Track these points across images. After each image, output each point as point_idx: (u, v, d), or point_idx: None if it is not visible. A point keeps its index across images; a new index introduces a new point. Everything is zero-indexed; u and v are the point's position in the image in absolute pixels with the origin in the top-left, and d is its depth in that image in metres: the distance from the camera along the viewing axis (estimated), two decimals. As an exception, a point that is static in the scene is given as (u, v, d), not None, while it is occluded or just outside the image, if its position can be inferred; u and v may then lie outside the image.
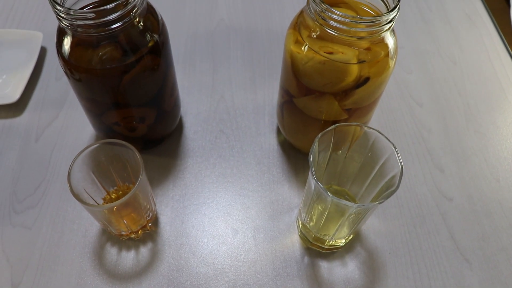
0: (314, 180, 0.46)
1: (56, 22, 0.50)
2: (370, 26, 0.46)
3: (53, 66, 0.79)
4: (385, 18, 0.45)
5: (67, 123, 0.71)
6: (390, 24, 0.47)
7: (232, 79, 0.77)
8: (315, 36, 0.50)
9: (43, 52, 0.81)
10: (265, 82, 0.76)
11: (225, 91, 0.75)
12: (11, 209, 0.62)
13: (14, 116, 0.72)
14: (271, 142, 0.68)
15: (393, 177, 0.48)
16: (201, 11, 0.88)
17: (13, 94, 0.72)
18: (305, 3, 0.51)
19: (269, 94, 0.74)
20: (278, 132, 0.69)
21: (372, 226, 0.60)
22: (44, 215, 0.61)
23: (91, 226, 0.60)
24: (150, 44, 0.52)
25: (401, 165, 0.46)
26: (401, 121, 0.71)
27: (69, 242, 0.59)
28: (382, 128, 0.70)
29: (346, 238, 0.57)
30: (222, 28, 0.85)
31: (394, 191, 0.45)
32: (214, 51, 0.81)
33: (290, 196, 0.63)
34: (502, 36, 0.84)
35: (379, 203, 0.45)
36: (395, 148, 0.47)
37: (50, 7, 0.87)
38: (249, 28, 0.85)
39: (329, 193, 0.44)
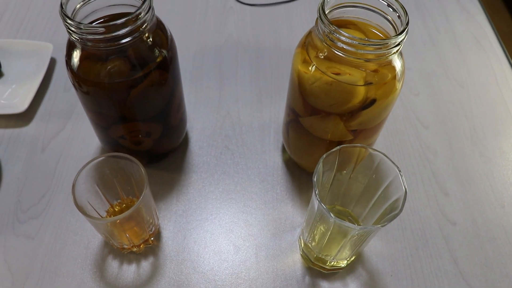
0: (317, 201, 0.46)
1: (67, 34, 0.50)
2: (377, 48, 0.46)
3: (62, 78, 0.79)
4: (393, 41, 0.46)
5: (74, 135, 0.71)
6: (398, 47, 0.47)
7: (239, 96, 0.77)
8: (322, 57, 0.50)
9: (52, 63, 0.82)
10: (272, 99, 0.76)
11: (231, 108, 0.75)
12: (15, 219, 0.62)
13: (21, 126, 0.72)
14: (275, 160, 0.68)
15: (397, 200, 0.47)
16: (209, 26, 0.89)
17: (21, 104, 0.73)
18: (314, 23, 0.51)
19: (275, 112, 0.74)
20: (283, 150, 0.69)
21: (374, 247, 0.60)
22: (47, 225, 0.61)
23: (93, 238, 0.60)
24: (158, 59, 0.52)
25: (405, 189, 0.46)
26: (407, 143, 0.71)
27: (70, 253, 0.59)
28: (387, 149, 0.70)
29: (348, 259, 0.56)
30: (230, 44, 0.85)
31: (398, 214, 0.45)
32: (221, 67, 0.81)
33: (293, 215, 0.63)
34: (510, 60, 0.84)
35: (382, 226, 0.44)
36: (400, 171, 0.47)
37: (60, 18, 0.88)
38: (257, 45, 0.85)
39: (331, 215, 0.44)
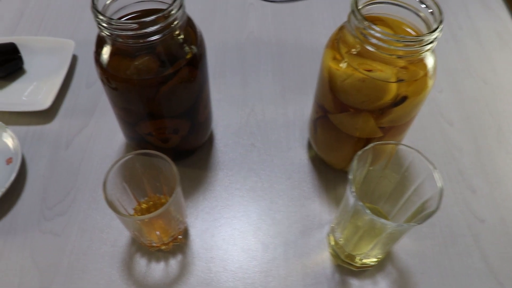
0: (354, 198, 0.45)
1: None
2: (411, 45, 0.46)
3: (84, 74, 0.79)
4: (427, 38, 0.45)
5: (97, 131, 0.71)
6: (431, 44, 0.46)
7: (263, 93, 0.77)
8: (355, 53, 0.49)
9: (74, 60, 0.81)
10: (295, 96, 0.76)
11: (255, 105, 0.75)
12: (41, 216, 0.62)
13: (44, 123, 0.72)
14: (301, 157, 0.68)
15: (431, 197, 0.47)
16: (230, 24, 0.88)
17: (44, 101, 0.73)
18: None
19: (299, 108, 0.74)
20: (309, 147, 0.69)
21: (403, 245, 0.60)
22: (73, 222, 0.61)
23: (120, 236, 0.60)
24: (188, 56, 0.52)
25: (441, 186, 0.46)
26: (432, 140, 0.71)
27: (98, 251, 0.59)
28: (412, 146, 0.69)
29: (379, 257, 0.56)
30: (252, 41, 0.85)
31: (434, 212, 0.44)
32: (244, 64, 0.81)
33: (320, 212, 0.62)
34: (534, 56, 0.83)
35: (419, 224, 0.44)
36: (435, 168, 0.47)
37: (81, 15, 0.88)
38: (279, 42, 0.85)
39: (368, 211, 0.44)
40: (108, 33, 0.48)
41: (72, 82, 0.78)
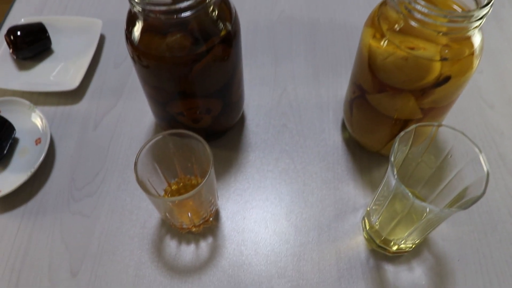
0: (395, 181, 0.43)
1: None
2: (459, 21, 0.43)
3: (112, 54, 0.78)
4: (476, 14, 0.42)
5: (126, 112, 0.70)
6: (480, 21, 0.44)
7: (295, 73, 0.74)
8: (397, 29, 0.47)
9: (101, 39, 0.80)
10: (329, 76, 0.74)
11: (287, 85, 0.73)
12: (69, 197, 0.61)
13: (73, 103, 0.72)
14: (335, 139, 0.66)
15: (475, 182, 0.45)
16: (261, 2, 0.86)
17: (72, 81, 0.72)
18: None
19: (333, 89, 0.72)
20: (343, 128, 0.67)
21: (440, 231, 0.58)
22: (103, 204, 0.61)
23: (150, 218, 0.59)
24: (222, 34, 0.50)
25: (488, 170, 0.43)
26: (471, 123, 0.68)
27: (127, 232, 0.58)
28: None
29: (416, 242, 0.54)
30: (283, 20, 0.83)
31: (480, 196, 0.42)
32: (275, 44, 0.79)
33: (355, 196, 0.60)
34: None
35: (464, 209, 0.42)
36: (481, 151, 0.45)
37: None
38: (311, 20, 0.82)
39: (411, 196, 0.42)
40: (140, 9, 0.46)
41: (100, 62, 0.77)
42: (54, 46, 0.79)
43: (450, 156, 0.49)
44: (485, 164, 0.44)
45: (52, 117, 0.70)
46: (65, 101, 0.72)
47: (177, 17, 0.46)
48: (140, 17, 0.48)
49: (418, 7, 0.43)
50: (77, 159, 0.65)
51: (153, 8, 0.45)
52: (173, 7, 0.45)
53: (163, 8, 0.45)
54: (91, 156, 0.65)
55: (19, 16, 0.83)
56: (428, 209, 0.43)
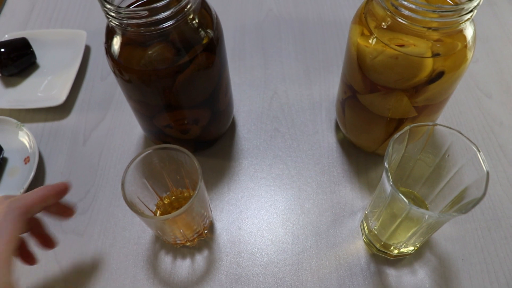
0: (391, 187, 0.41)
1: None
2: (449, 16, 0.41)
3: (98, 66, 0.77)
4: (467, 6, 0.41)
5: (115, 125, 0.68)
6: (471, 14, 0.42)
7: (285, 74, 0.73)
8: (385, 27, 0.45)
9: (87, 51, 0.79)
10: (321, 75, 0.72)
11: (278, 87, 0.71)
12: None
13: (60, 118, 0.70)
14: (329, 140, 0.64)
15: (475, 182, 0.43)
16: (248, 1, 0.84)
17: (59, 96, 0.71)
18: None
19: (325, 88, 0.70)
20: (337, 129, 0.65)
21: (442, 230, 0.56)
22: (95, 221, 0.59)
23: (143, 233, 0.58)
24: (204, 41, 0.49)
25: (487, 170, 0.42)
26: (468, 114, 0.66)
27: (121, 250, 0.57)
28: (447, 123, 0.65)
29: (417, 245, 0.52)
30: (271, 19, 0.81)
31: (481, 198, 0.40)
32: (264, 44, 0.77)
33: (352, 199, 0.59)
34: None
35: (464, 213, 0.40)
36: (479, 150, 0.43)
37: (92, 4, 0.85)
38: (300, 18, 0.80)
39: (407, 202, 0.40)
40: (117, 23, 0.44)
41: (86, 74, 0.76)
42: (39, 60, 0.77)
43: (448, 156, 0.47)
44: (485, 164, 0.42)
45: (41, 133, 0.68)
46: (53, 117, 0.70)
47: (156, 28, 0.44)
48: (118, 31, 0.47)
49: (405, 3, 0.41)
50: (67, 176, 0.64)
51: (130, 21, 0.43)
52: (151, 19, 0.43)
53: (141, 21, 0.43)
54: (82, 172, 0.64)
55: (3, 32, 0.82)
56: (427, 216, 0.41)
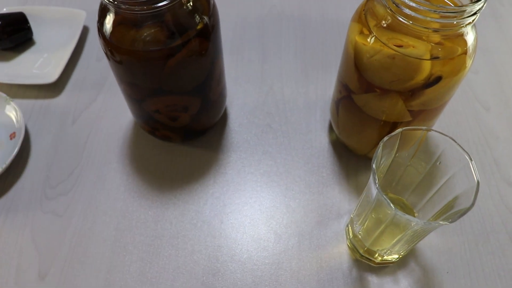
0: (377, 190, 0.40)
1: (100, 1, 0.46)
2: (450, 17, 0.40)
3: (95, 47, 0.76)
4: (469, 9, 0.39)
5: (105, 107, 0.67)
6: (473, 17, 0.41)
7: (283, 70, 0.71)
8: (385, 25, 0.44)
9: (85, 31, 0.78)
10: (318, 75, 0.70)
11: (274, 83, 0.70)
12: (43, 195, 0.59)
13: (52, 96, 0.69)
14: (322, 140, 0.63)
15: (465, 192, 0.42)
16: (251, -4, 0.83)
17: (52, 73, 0.70)
18: None
19: (322, 88, 0.69)
20: (330, 130, 0.64)
21: (428, 240, 0.54)
22: (76, 203, 0.58)
23: (123, 219, 0.56)
24: (198, 27, 0.47)
25: (477, 180, 0.40)
26: (465, 126, 0.65)
27: (100, 234, 0.55)
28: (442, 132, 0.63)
29: (401, 254, 0.51)
30: (273, 14, 0.79)
31: (469, 209, 0.39)
32: (264, 39, 0.76)
33: (340, 201, 0.57)
34: None
35: (450, 222, 0.39)
36: (471, 159, 0.41)
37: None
38: (302, 16, 0.79)
39: (393, 206, 0.39)
40: (110, 0, 0.43)
41: (82, 54, 0.74)
42: (35, 37, 0.76)
43: (440, 163, 0.46)
44: (476, 174, 0.41)
45: (30, 110, 0.67)
46: (44, 95, 0.69)
47: (149, 8, 0.43)
48: (112, 9, 0.45)
49: (407, 1, 0.40)
50: (52, 155, 0.62)
51: (122, -2, 0.42)
52: (144, -3, 0.42)
53: (134, -2, 0.42)
54: (67, 153, 0.63)
55: (1, 5, 0.80)
56: (412, 223, 0.40)
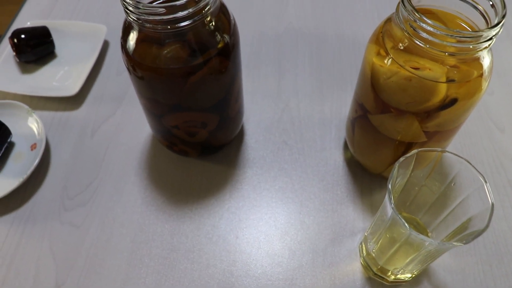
0: (392, 210, 0.41)
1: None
2: (467, 42, 0.41)
3: (115, 61, 0.77)
4: (486, 34, 0.40)
5: (124, 121, 0.68)
6: (490, 42, 0.41)
7: (299, 87, 0.72)
8: (402, 48, 0.45)
9: (105, 45, 0.79)
10: (334, 93, 0.71)
11: (290, 100, 0.70)
12: (61, 205, 0.60)
13: (72, 109, 0.70)
14: (336, 158, 0.64)
15: (479, 213, 0.42)
16: (269, 12, 0.84)
17: (73, 86, 0.71)
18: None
19: (337, 106, 0.69)
20: (345, 148, 0.64)
21: (442, 261, 0.55)
22: (94, 215, 0.59)
23: (140, 232, 0.57)
24: (219, 45, 0.48)
25: (492, 202, 0.41)
26: (479, 146, 0.65)
27: (116, 246, 0.56)
28: (457, 152, 0.63)
29: (414, 273, 0.51)
30: (290, 32, 0.81)
31: (483, 230, 0.39)
32: (280, 56, 0.77)
33: (354, 219, 0.58)
34: None
35: (465, 243, 0.39)
36: (486, 181, 0.42)
37: (115, 0, 0.86)
38: (319, 34, 0.80)
39: (407, 226, 0.39)
40: (135, 18, 0.44)
41: (102, 68, 0.76)
42: (57, 50, 0.78)
43: (454, 184, 0.46)
44: (490, 196, 0.41)
45: (50, 122, 0.69)
46: (65, 107, 0.70)
47: (173, 27, 0.44)
48: (136, 26, 0.47)
49: (424, 25, 0.41)
50: (71, 166, 0.64)
51: (147, 18, 0.43)
52: (168, 17, 0.43)
53: (158, 18, 0.43)
54: (86, 165, 0.64)
55: (26, 19, 0.83)
56: (427, 243, 0.40)
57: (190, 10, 0.44)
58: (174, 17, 0.43)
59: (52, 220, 0.59)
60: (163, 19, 0.43)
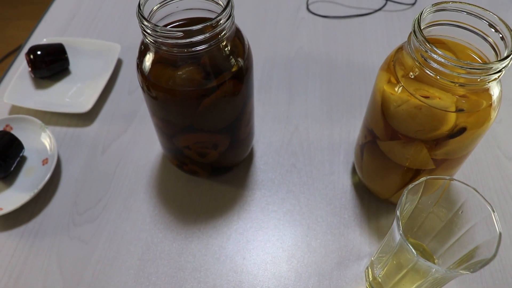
0: (400, 236, 0.41)
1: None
2: (477, 73, 0.41)
3: (127, 79, 0.78)
4: (495, 66, 0.41)
5: (135, 139, 0.69)
6: (499, 74, 0.42)
7: (308, 111, 0.73)
8: (412, 76, 0.46)
9: (119, 64, 0.81)
10: (343, 117, 0.72)
11: (300, 123, 0.71)
12: (70, 221, 0.61)
13: (84, 125, 0.71)
14: (344, 182, 0.64)
15: (486, 242, 0.42)
16: (280, 37, 0.86)
17: (85, 103, 0.72)
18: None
19: (346, 131, 0.70)
20: (353, 172, 0.65)
21: (448, 287, 0.55)
22: (102, 231, 0.60)
23: (147, 250, 0.58)
24: (234, 69, 0.49)
25: (500, 231, 0.41)
26: (486, 174, 0.66)
27: (124, 263, 0.57)
28: (465, 179, 0.64)
29: (421, 299, 0.51)
30: (301, 56, 0.82)
31: (491, 259, 0.40)
32: (291, 80, 0.78)
33: (360, 243, 0.58)
34: None
35: (472, 272, 0.39)
36: (493, 211, 0.42)
37: (130, 19, 0.87)
38: (329, 59, 0.81)
39: (415, 253, 0.40)
40: (152, 40, 0.46)
41: (115, 86, 0.77)
42: (72, 67, 0.79)
43: (461, 212, 0.46)
44: (498, 225, 0.42)
45: (62, 138, 0.70)
46: (77, 123, 0.72)
47: (189, 51, 0.46)
48: (152, 48, 0.48)
49: (435, 56, 0.42)
50: (82, 182, 0.64)
51: (164, 41, 0.45)
52: (185, 40, 0.44)
53: (175, 41, 0.44)
54: (96, 181, 0.65)
55: (43, 35, 0.85)
56: (433, 270, 0.40)
57: (207, 34, 0.45)
58: (190, 41, 0.44)
59: (61, 235, 0.59)
60: (179, 42, 0.45)
